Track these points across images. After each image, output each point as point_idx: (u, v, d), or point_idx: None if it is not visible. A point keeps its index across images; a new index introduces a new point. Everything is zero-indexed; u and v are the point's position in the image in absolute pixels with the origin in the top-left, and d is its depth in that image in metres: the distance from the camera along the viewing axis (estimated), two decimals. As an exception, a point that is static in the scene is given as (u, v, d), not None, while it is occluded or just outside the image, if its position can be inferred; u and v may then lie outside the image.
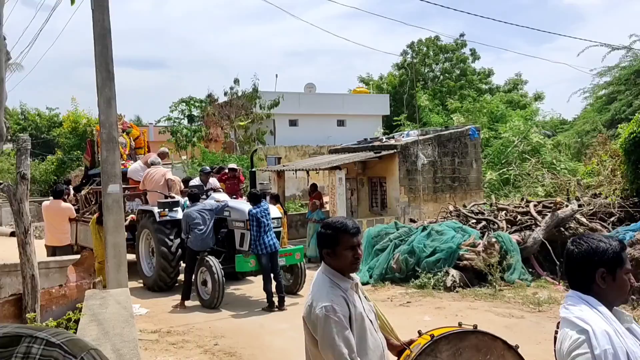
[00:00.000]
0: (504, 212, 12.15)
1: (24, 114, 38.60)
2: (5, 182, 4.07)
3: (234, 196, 11.76)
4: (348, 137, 26.35)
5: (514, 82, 38.62)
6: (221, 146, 26.29)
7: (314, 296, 2.65)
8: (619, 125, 17.57)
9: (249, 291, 10.34)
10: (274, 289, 9.01)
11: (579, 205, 11.89)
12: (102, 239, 9.20)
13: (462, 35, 38.79)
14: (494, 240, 10.03)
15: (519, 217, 11.64)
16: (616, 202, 12.12)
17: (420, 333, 2.98)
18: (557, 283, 9.71)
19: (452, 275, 9.66)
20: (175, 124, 28.47)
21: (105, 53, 7.86)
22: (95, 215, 10.41)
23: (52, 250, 10.38)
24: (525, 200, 12.94)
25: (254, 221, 8.91)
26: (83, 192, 12.43)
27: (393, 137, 17.46)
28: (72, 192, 13.28)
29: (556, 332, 2.16)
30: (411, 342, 2.90)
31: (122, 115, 13.32)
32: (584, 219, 11.25)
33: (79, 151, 25.06)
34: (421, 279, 9.82)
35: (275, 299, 8.95)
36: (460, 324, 2.99)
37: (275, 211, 9.63)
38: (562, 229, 10.86)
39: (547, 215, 11.09)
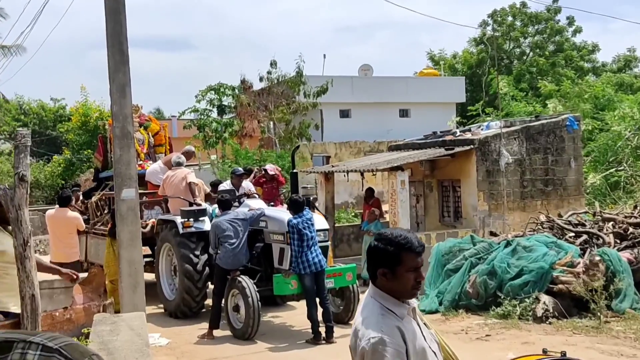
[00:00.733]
0: (612, 223, 11.83)
1: (22, 107, 39.76)
2: (2, 185, 4.26)
3: (272, 203, 11.92)
4: (413, 130, 26.14)
5: (625, 60, 37.51)
6: (257, 143, 26.61)
7: (362, 324, 2.66)
8: None
9: (290, 319, 10.43)
10: (320, 317, 9.06)
11: None
12: (115, 254, 9.49)
13: (555, 0, 37.95)
14: (598, 258, 9.78)
15: (631, 229, 11.32)
16: None
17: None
18: (682, 314, 9.37)
19: (544, 303, 9.49)
20: (202, 116, 29.01)
21: (119, 31, 8.16)
22: (109, 227, 10.76)
23: (58, 268, 10.79)
24: (639, 208, 12.56)
25: (295, 233, 9.01)
26: (93, 199, 12.85)
27: (469, 130, 17.27)
28: (80, 197, 13.78)
29: None
30: None
31: (139, 107, 13.71)
32: None
33: (90, 150, 25.91)
34: (504, 306, 9.68)
35: (322, 329, 9.00)
36: (545, 351, 2.94)
37: (321, 221, 9.71)
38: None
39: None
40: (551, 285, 9.76)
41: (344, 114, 32.12)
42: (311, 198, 11.97)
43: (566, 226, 11.92)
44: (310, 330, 9.05)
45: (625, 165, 19.49)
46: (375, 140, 29.27)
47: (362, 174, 15.71)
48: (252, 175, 13.27)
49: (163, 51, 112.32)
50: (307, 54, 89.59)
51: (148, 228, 11.33)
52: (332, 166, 16.86)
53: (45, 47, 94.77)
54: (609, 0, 78.38)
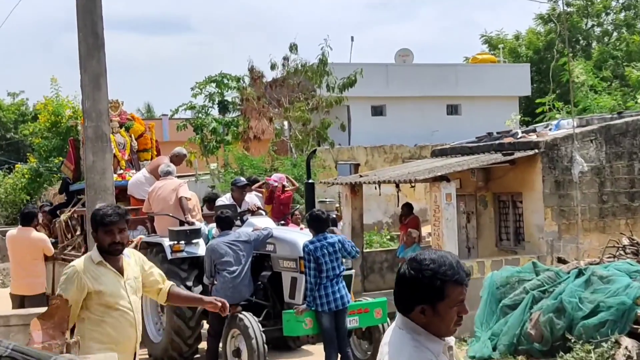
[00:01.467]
0: None
1: None
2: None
3: (282, 222, 11.99)
4: (463, 131, 26.05)
5: None
6: (268, 147, 26.79)
7: (391, 357, 2.73)
8: None
9: (305, 367, 10.47)
10: (341, 364, 9.10)
11: None
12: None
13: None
14: (695, 292, 9.69)
15: None
16: None
17: None
18: None
19: (626, 348, 9.44)
20: (200, 115, 29.28)
21: (91, 8, 8.34)
22: (82, 251, 10.91)
23: (20, 301, 10.90)
24: None
25: (312, 262, 9.03)
26: (62, 217, 13.03)
27: (534, 131, 17.23)
28: (49, 215, 13.97)
29: None
30: None
31: (120, 103, 13.91)
32: None
33: (61, 157, 26.23)
34: (575, 352, 9.65)
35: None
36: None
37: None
38: None
39: None
40: (635, 326, 9.68)
41: (377, 111, 32.14)
42: (331, 216, 12.03)
43: (656, 251, 11.83)
44: (329, 381, 9.09)
45: None
46: (416, 144, 29.22)
47: (398, 186, 15.71)
48: (265, 185, 13.43)
49: (153, 34, 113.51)
50: (332, 37, 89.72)
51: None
52: (361, 176, 16.89)
53: (5, 29, 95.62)
54: None
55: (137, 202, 12.43)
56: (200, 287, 10.46)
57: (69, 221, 12.91)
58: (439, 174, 13.72)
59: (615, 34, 38.29)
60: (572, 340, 9.83)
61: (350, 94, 26.86)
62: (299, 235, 9.69)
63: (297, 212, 14.34)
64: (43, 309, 6.10)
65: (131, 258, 5.50)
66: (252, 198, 12.12)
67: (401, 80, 31.82)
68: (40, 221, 12.59)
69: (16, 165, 30.86)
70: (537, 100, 29.44)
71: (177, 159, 12.47)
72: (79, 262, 5.42)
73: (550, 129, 16.54)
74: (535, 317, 10.27)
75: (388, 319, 9.96)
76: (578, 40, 38.26)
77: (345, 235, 13.57)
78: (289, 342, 10.82)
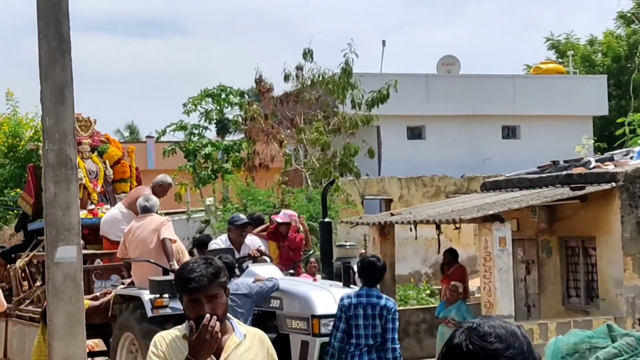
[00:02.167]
0: None
1: None
2: None
3: (292, 271, 11.98)
4: (522, 158, 25.98)
5: None
6: (278, 177, 26.79)
7: None
8: None
9: None
10: None
11: None
12: (46, 345, 9.60)
13: None
14: None
15: None
16: None
17: None
18: None
19: None
20: (193, 137, 29.36)
21: (56, 4, 8.40)
22: (42, 306, 10.91)
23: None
24: None
25: (343, 320, 8.94)
26: (19, 263, 13.06)
27: (611, 159, 17.15)
28: (2, 259, 14.00)
29: None
30: None
31: (92, 121, 13.99)
32: None
33: (19, 189, 26.35)
34: None
35: None
36: None
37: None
38: None
39: None
40: None
41: (415, 133, 32.17)
42: (351, 264, 11.99)
43: None
44: None
45: None
46: (463, 174, 29.15)
47: (439, 228, 15.73)
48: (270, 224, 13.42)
49: (137, 37, 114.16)
50: (358, 41, 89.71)
51: (98, 302, 11.46)
52: (392, 214, 16.87)
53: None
54: None
55: (111, 244, 12.45)
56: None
57: (26, 268, 12.93)
58: (491, 212, 13.73)
59: None
60: None
61: (381, 111, 26.76)
62: (313, 289, 9.65)
63: (312, 260, 14.31)
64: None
65: (247, 339, 4.65)
66: (254, 240, 12.09)
67: (445, 94, 31.82)
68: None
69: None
70: (617, 120, 29.34)
71: (160, 189, 12.49)
72: (166, 333, 4.62)
73: (631, 157, 16.50)
74: (611, 394, 10.15)
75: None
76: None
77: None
78: None
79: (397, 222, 15.84)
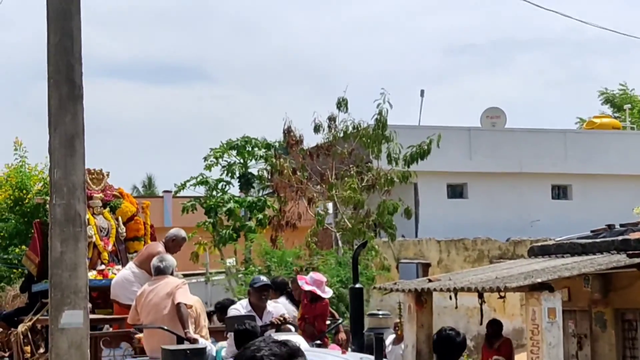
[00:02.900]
0: None
1: None
2: None
3: (318, 341, 11.87)
4: (574, 221, 25.85)
5: None
6: (307, 237, 26.69)
7: None
8: None
9: None
10: None
11: None
12: None
13: None
14: None
15: None
16: None
17: None
18: None
19: None
20: (214, 192, 29.37)
21: (68, 47, 8.40)
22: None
23: None
24: None
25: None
26: (21, 327, 12.99)
27: (674, 223, 17.06)
28: (4, 323, 13.96)
29: None
30: None
31: (105, 174, 14.00)
32: None
33: (24, 246, 26.39)
34: None
35: None
36: None
37: None
38: None
39: None
40: None
41: (456, 192, 32.15)
42: (384, 335, 11.83)
43: None
44: None
45: None
46: (509, 237, 29.01)
47: (482, 296, 15.69)
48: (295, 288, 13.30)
49: (157, 84, 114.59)
50: (394, 90, 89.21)
51: None
52: (430, 280, 16.75)
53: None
54: None
55: (122, 309, 12.38)
56: None
57: (28, 333, 12.87)
58: (539, 280, 13.67)
59: None
60: None
61: (420, 167, 26.75)
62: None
63: (341, 328, 14.14)
64: None
65: None
66: (278, 306, 12.00)
67: (489, 150, 31.89)
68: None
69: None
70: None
71: (173, 244, 12.49)
72: None
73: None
74: None
75: None
76: None
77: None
78: None
79: (435, 289, 15.72)
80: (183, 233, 13.13)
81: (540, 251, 17.18)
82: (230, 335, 10.56)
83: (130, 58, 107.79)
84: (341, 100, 26.67)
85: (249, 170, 30.74)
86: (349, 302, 15.17)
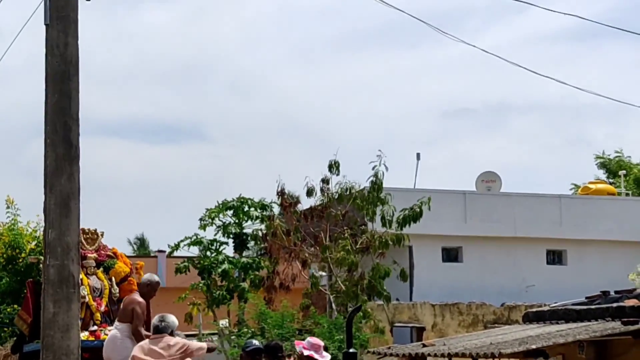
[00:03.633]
0: None
1: None
2: None
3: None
4: (568, 287, 25.85)
5: None
6: (300, 300, 26.62)
7: None
8: None
9: None
10: None
11: None
12: None
13: None
14: None
15: None
16: None
17: None
18: None
19: None
20: (208, 252, 29.31)
21: (65, 107, 8.47)
22: None
23: None
24: None
25: None
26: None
27: (668, 289, 17.08)
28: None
29: None
30: None
31: (99, 234, 13.99)
32: None
33: (16, 305, 26.23)
34: None
35: None
36: None
37: None
38: None
39: None
40: None
41: (451, 255, 32.07)
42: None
43: None
44: None
45: None
46: (504, 302, 28.93)
47: (475, 362, 15.52)
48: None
49: (152, 143, 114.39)
50: (389, 153, 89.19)
51: None
52: (424, 345, 16.69)
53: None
54: None
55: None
56: None
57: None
58: (534, 346, 13.65)
59: None
60: None
61: (414, 230, 26.78)
62: None
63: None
64: None
65: None
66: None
67: (484, 214, 31.89)
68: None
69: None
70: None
71: (148, 289, 12.50)
72: None
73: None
74: None
75: None
76: None
77: None
78: None
79: (429, 354, 15.70)
80: (156, 277, 13.11)
81: (535, 317, 17.16)
82: None
83: (127, 117, 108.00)
84: (333, 163, 26.80)
85: (244, 231, 30.62)
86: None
